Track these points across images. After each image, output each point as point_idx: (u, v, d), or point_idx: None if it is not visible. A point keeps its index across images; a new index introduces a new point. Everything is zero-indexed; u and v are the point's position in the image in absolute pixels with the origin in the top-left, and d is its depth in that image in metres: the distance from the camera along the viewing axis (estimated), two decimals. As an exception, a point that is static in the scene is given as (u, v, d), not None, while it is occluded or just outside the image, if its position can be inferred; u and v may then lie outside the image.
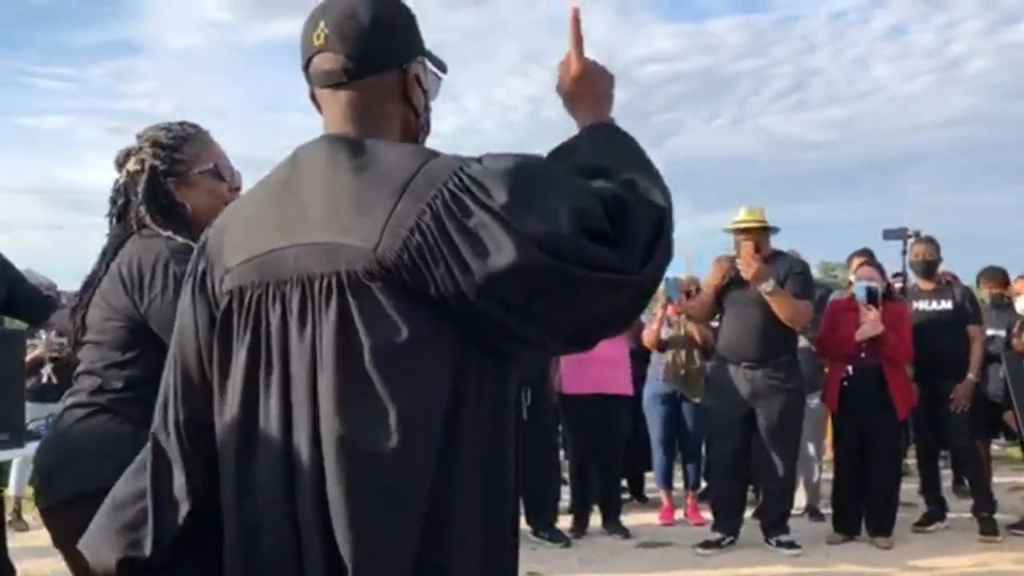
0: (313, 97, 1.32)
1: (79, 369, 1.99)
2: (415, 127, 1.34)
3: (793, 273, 5.22)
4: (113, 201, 2.08)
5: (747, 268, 5.09)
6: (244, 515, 1.19)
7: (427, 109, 1.36)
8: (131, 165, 2.06)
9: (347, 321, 1.12)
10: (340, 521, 1.10)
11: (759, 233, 5.29)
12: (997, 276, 6.39)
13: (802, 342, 5.54)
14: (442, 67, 1.38)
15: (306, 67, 1.30)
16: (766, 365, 5.15)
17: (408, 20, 1.32)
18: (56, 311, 3.95)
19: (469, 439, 1.14)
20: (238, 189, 2.10)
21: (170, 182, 2.04)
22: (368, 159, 1.17)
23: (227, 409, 1.23)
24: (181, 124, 2.11)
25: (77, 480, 1.83)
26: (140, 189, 2.02)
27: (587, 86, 1.36)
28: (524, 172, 1.13)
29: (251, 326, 1.21)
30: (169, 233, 1.97)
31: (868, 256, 6.06)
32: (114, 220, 2.08)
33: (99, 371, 1.94)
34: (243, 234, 1.26)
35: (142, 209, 2.01)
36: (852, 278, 5.92)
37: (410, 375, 1.10)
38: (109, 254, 2.01)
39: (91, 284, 2.02)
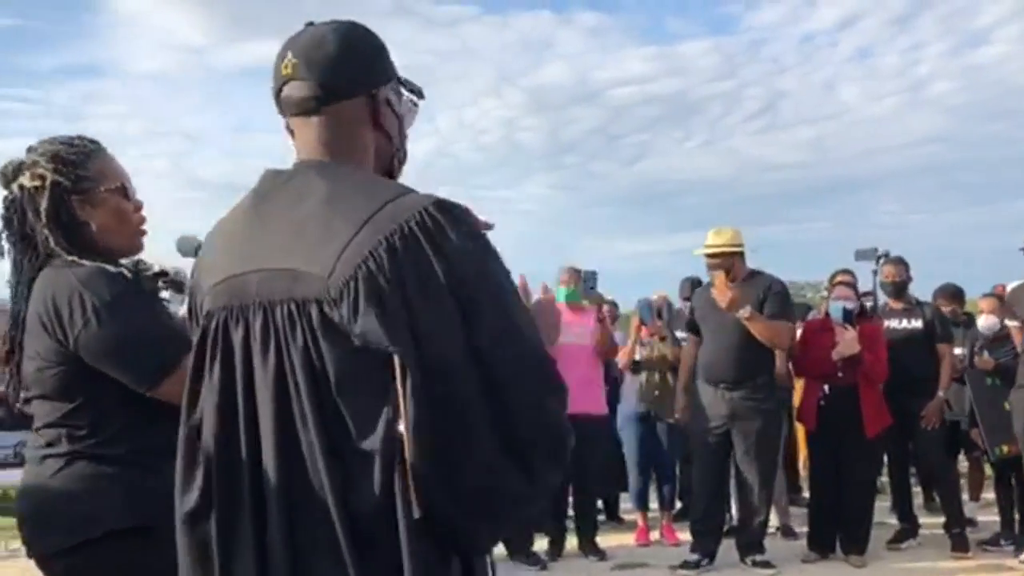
0: (289, 127, 1.33)
1: (36, 424, 1.88)
2: (389, 153, 1.34)
3: (772, 294, 5.26)
4: (8, 220, 1.93)
5: (721, 298, 5.13)
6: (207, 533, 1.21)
7: (403, 136, 1.36)
8: (26, 180, 1.90)
9: (306, 348, 1.12)
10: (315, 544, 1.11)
11: (729, 257, 5.33)
12: (953, 293, 6.46)
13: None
14: (418, 93, 1.39)
15: (277, 97, 1.31)
16: (743, 386, 5.18)
17: (377, 47, 1.33)
18: None
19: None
20: (141, 208, 2.00)
21: (74, 200, 1.90)
22: (338, 188, 1.18)
23: (205, 430, 1.23)
24: (80, 138, 1.97)
25: (80, 527, 1.79)
26: (43, 208, 1.88)
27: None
28: (504, 284, 1.15)
29: (220, 349, 1.22)
30: (74, 258, 1.86)
31: (850, 275, 6.10)
32: (13, 242, 1.93)
33: (57, 423, 1.85)
34: (217, 256, 1.28)
35: (46, 232, 1.87)
36: (823, 296, 5.98)
37: (370, 399, 1.11)
38: (23, 291, 1.90)
39: (16, 324, 1.90)
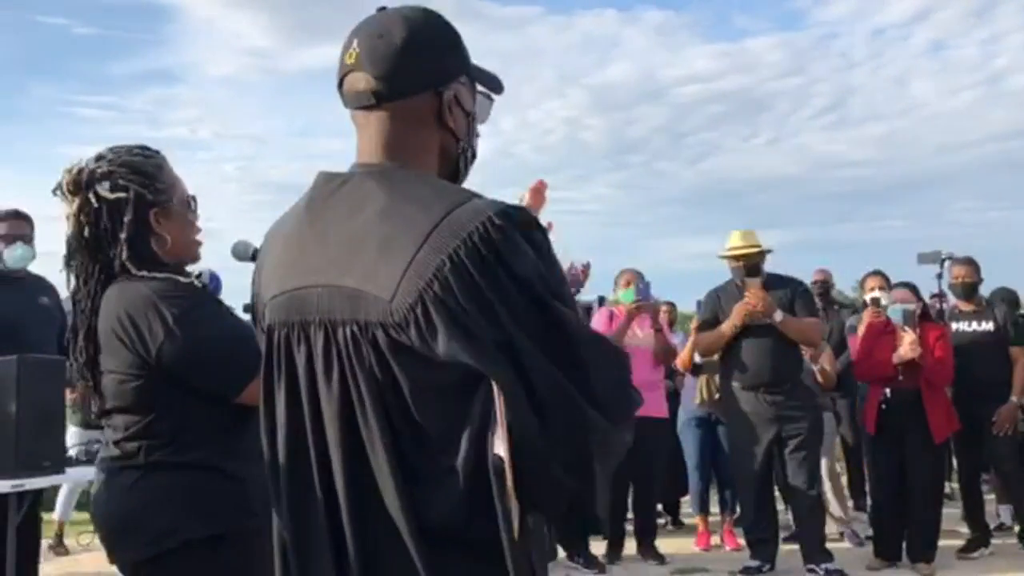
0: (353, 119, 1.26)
1: (116, 437, 1.89)
2: (455, 153, 1.27)
3: (800, 293, 5.34)
4: (93, 225, 1.87)
5: (757, 303, 5.13)
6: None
7: (472, 134, 1.29)
8: (106, 191, 1.87)
9: (372, 371, 1.09)
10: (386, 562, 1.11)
11: (759, 257, 5.31)
12: (1003, 297, 6.22)
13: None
14: (495, 87, 1.32)
15: (340, 86, 1.24)
16: (783, 389, 5.18)
17: (448, 39, 1.25)
18: None
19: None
20: (197, 219, 2.00)
21: (154, 213, 1.90)
22: (396, 198, 1.12)
23: (277, 449, 1.22)
24: (147, 149, 1.96)
25: (157, 539, 1.81)
26: (127, 221, 1.86)
27: None
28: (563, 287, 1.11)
29: (284, 366, 1.20)
30: (144, 273, 1.86)
31: (882, 276, 5.97)
32: (83, 250, 1.89)
33: (137, 434, 1.85)
34: (275, 266, 1.24)
35: (124, 245, 1.86)
36: (866, 299, 5.86)
37: (450, 416, 1.08)
38: (91, 304, 1.88)
39: (86, 341, 1.89)
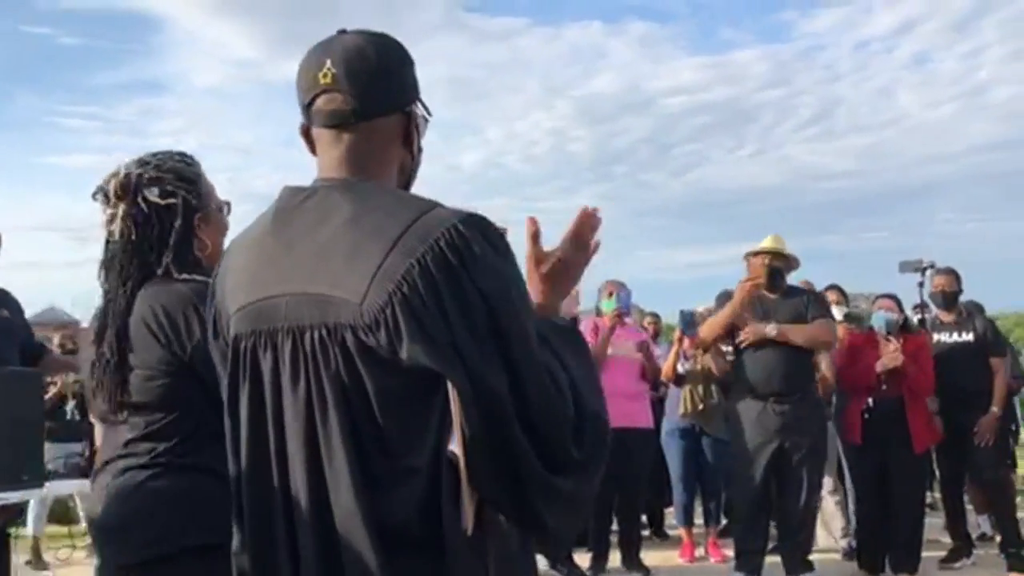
0: (306, 134, 1.29)
1: (129, 436, 1.89)
2: (409, 170, 1.33)
3: (811, 299, 5.24)
4: (141, 229, 1.91)
5: (759, 278, 5.05)
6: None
7: (419, 151, 1.34)
8: (154, 196, 1.91)
9: (338, 373, 1.11)
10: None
11: (784, 260, 5.24)
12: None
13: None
14: (428, 110, 1.36)
15: (308, 105, 1.26)
16: (792, 399, 5.08)
17: (410, 63, 1.30)
18: (44, 359, 4.02)
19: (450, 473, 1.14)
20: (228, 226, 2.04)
21: (197, 219, 1.95)
22: (362, 208, 1.15)
23: (241, 459, 1.24)
24: (185, 155, 2.00)
25: (156, 542, 1.81)
26: (176, 226, 1.91)
27: (574, 276, 1.37)
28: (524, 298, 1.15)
29: (249, 375, 1.21)
30: (184, 275, 1.89)
31: (894, 300, 5.98)
32: (126, 253, 1.91)
33: (153, 435, 1.86)
34: (240, 279, 1.26)
35: (170, 249, 1.90)
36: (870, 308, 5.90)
37: (414, 418, 1.11)
38: (123, 304, 1.89)
39: (117, 335, 1.88)
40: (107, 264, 1.95)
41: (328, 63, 1.23)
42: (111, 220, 1.93)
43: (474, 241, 1.10)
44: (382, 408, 1.10)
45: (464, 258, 1.09)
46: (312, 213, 1.19)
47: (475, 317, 1.08)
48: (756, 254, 5.22)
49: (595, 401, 1.20)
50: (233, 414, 1.25)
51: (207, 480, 1.82)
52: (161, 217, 1.91)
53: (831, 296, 5.95)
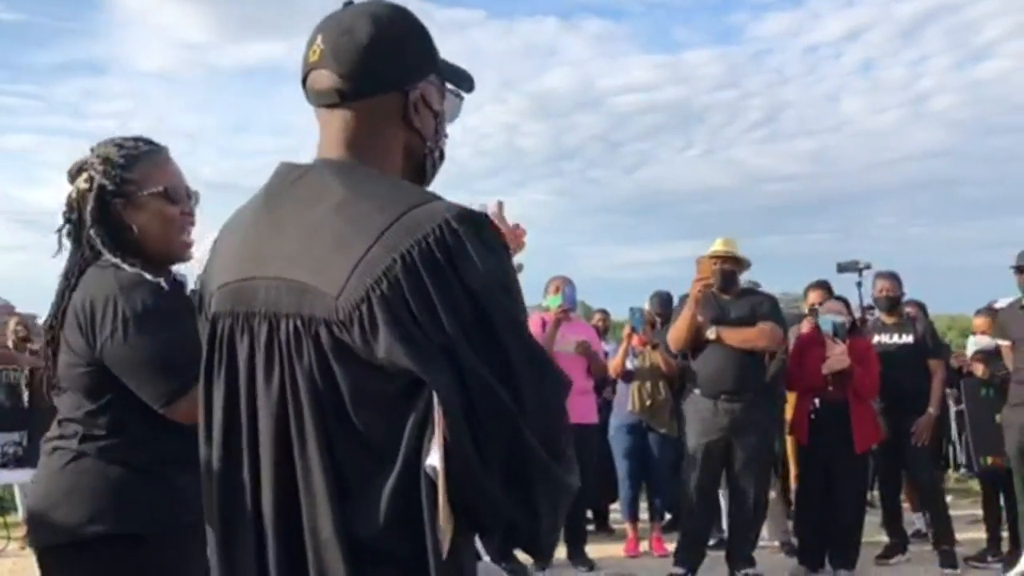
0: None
1: (60, 416, 1.92)
2: (421, 154, 1.23)
3: (763, 304, 5.32)
4: (67, 218, 1.98)
5: (708, 278, 5.09)
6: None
7: (441, 134, 1.25)
8: (81, 182, 1.95)
9: (311, 369, 1.05)
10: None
11: (736, 263, 5.31)
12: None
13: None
14: (465, 85, 1.28)
15: (304, 83, 1.21)
16: (743, 397, 5.15)
17: (415, 37, 1.21)
18: None
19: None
20: (191, 213, 1.99)
21: (118, 203, 1.92)
22: (354, 194, 1.09)
23: (212, 442, 1.19)
24: (135, 140, 1.99)
25: (73, 527, 1.81)
26: (89, 209, 1.92)
27: None
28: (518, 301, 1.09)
29: (225, 360, 1.16)
30: (117, 261, 1.87)
31: (825, 288, 6.10)
32: (67, 239, 1.98)
33: (79, 419, 1.87)
34: (227, 256, 1.21)
35: (92, 232, 1.91)
36: (806, 309, 5.99)
37: (387, 419, 1.04)
38: (71, 285, 1.91)
39: (55, 315, 1.92)
40: (59, 242, 1.99)
41: (319, 39, 1.18)
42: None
43: (466, 238, 1.03)
44: (357, 411, 1.04)
45: (453, 256, 1.02)
46: (304, 192, 1.13)
47: (463, 318, 1.01)
48: (708, 258, 5.28)
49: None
50: (207, 396, 1.20)
51: (129, 474, 1.83)
52: (84, 200, 1.94)
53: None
